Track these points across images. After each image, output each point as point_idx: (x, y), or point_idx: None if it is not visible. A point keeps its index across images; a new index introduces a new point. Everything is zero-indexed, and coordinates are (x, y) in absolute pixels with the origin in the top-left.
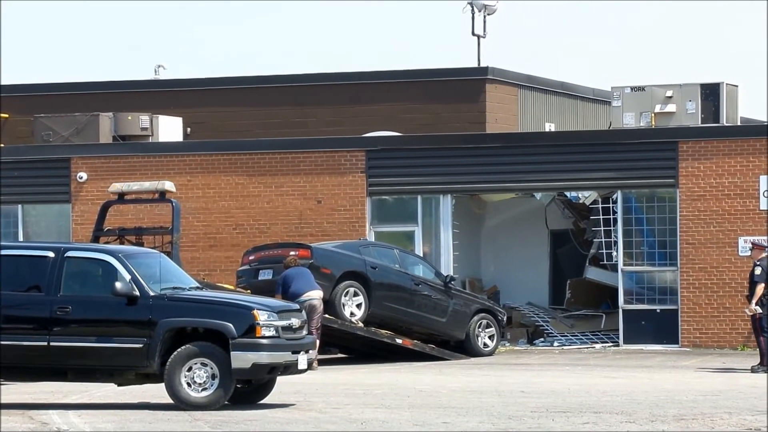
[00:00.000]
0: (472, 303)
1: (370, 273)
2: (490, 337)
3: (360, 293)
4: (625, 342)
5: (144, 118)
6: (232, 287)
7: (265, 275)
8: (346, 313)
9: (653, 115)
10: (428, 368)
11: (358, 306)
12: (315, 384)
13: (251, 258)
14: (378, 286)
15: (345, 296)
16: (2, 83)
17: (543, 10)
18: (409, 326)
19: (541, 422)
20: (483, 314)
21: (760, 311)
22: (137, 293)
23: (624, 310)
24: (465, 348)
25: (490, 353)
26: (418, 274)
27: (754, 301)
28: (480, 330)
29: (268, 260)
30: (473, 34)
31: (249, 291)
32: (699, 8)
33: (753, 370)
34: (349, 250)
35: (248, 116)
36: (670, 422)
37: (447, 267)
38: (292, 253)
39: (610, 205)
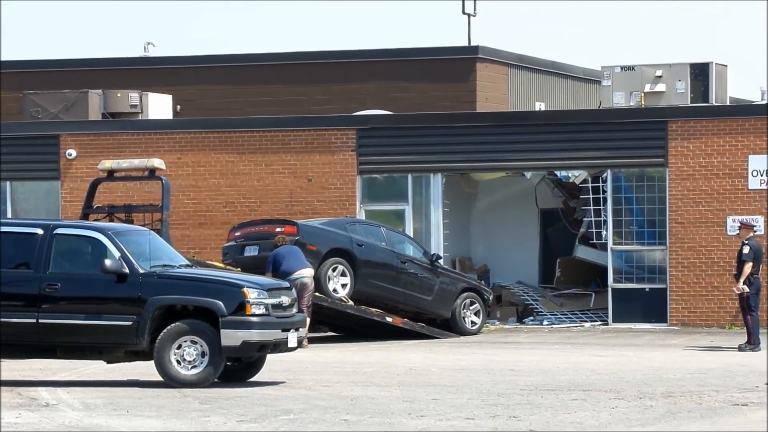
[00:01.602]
0: (458, 282)
1: (356, 250)
2: (476, 314)
3: (346, 270)
4: (614, 321)
5: (133, 96)
6: (222, 265)
7: (251, 251)
8: (331, 289)
9: (643, 94)
10: (418, 346)
11: (344, 285)
12: (305, 362)
13: (237, 234)
14: (364, 264)
15: (332, 272)
16: None
17: None
18: (395, 304)
19: (531, 399)
20: (469, 293)
21: (748, 290)
22: (127, 271)
23: (613, 289)
24: (451, 326)
25: (476, 332)
26: (405, 252)
27: (741, 280)
28: (465, 309)
29: (255, 236)
30: (464, 12)
31: (239, 269)
32: None
33: (740, 348)
34: (336, 227)
35: (238, 94)
36: (658, 399)
37: (437, 246)
38: (278, 229)
39: (600, 184)
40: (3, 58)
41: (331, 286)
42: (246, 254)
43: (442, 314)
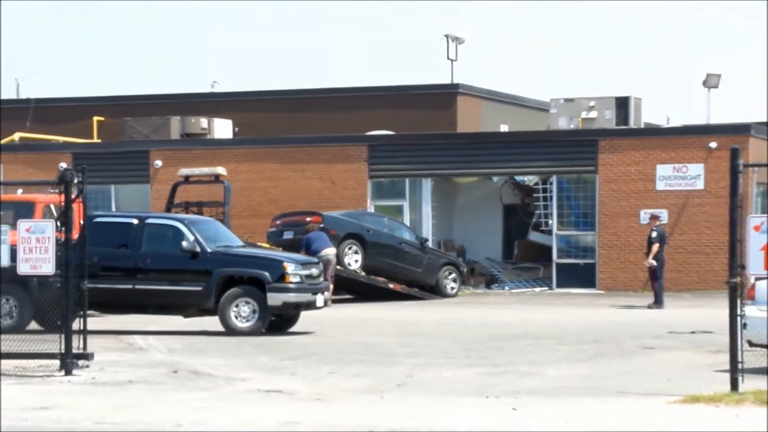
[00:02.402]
0: (441, 258)
1: (365, 234)
2: (454, 282)
3: (358, 249)
4: (557, 287)
5: (203, 121)
6: (267, 246)
7: (288, 235)
8: (347, 263)
9: (580, 119)
10: (412, 306)
11: (356, 261)
12: (329, 317)
13: (278, 222)
14: (371, 244)
15: (348, 250)
16: (99, 95)
17: (500, 41)
18: (394, 275)
19: (495, 344)
20: (448, 266)
21: (655, 264)
22: (198, 250)
23: (557, 264)
24: (435, 291)
25: (454, 295)
26: (402, 236)
27: (650, 257)
28: (446, 278)
29: (290, 224)
30: (448, 58)
31: (281, 249)
32: (612, 38)
33: (649, 306)
34: (351, 217)
35: (280, 119)
36: (589, 344)
37: (427, 232)
38: (308, 219)
39: (548, 186)
40: (108, 94)
41: (347, 260)
42: (284, 237)
43: (428, 282)
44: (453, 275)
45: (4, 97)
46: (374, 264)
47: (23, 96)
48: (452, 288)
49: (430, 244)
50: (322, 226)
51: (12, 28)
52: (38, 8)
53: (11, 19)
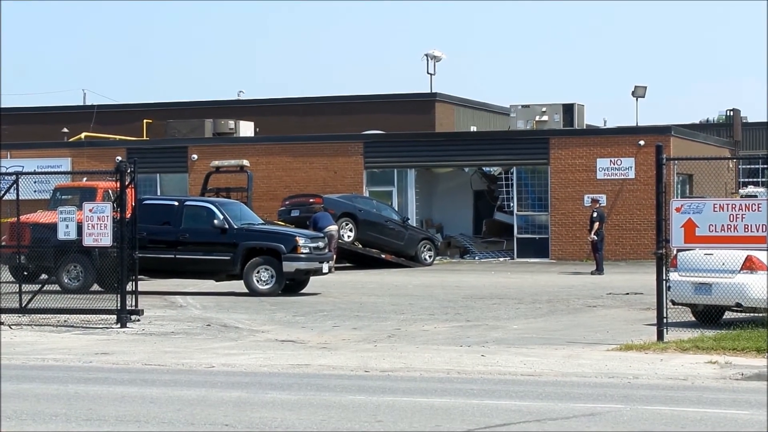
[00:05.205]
0: (420, 233)
1: (358, 213)
2: (430, 251)
3: (352, 226)
4: (518, 257)
5: (231, 123)
6: (282, 223)
7: (295, 213)
8: (342, 235)
9: (534, 122)
10: (399, 272)
11: (349, 236)
12: (332, 281)
13: (287, 203)
14: (362, 222)
15: (344, 226)
16: (148, 102)
17: (470, 59)
18: (380, 246)
19: (468, 303)
20: (425, 240)
21: (596, 238)
22: (227, 227)
23: (517, 238)
24: (414, 261)
25: (430, 264)
26: (388, 215)
27: (592, 233)
28: (423, 250)
29: (297, 204)
30: (428, 73)
31: (293, 225)
32: (561, 56)
33: (592, 273)
34: (346, 199)
35: (292, 121)
36: (544, 303)
37: (411, 213)
38: (311, 200)
39: (509, 175)
40: (154, 101)
41: (342, 233)
42: (292, 215)
43: (409, 253)
44: (429, 247)
45: (72, 104)
46: (364, 237)
47: (88, 103)
48: (429, 257)
49: (413, 222)
50: (323, 206)
51: (80, 49)
52: (100, 34)
53: (81, 43)
